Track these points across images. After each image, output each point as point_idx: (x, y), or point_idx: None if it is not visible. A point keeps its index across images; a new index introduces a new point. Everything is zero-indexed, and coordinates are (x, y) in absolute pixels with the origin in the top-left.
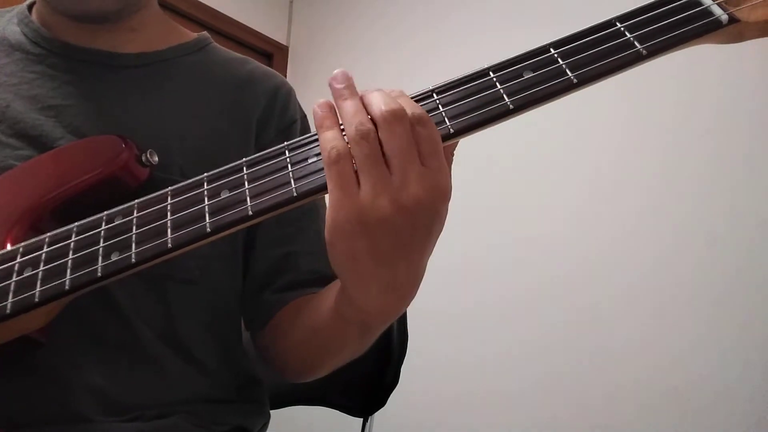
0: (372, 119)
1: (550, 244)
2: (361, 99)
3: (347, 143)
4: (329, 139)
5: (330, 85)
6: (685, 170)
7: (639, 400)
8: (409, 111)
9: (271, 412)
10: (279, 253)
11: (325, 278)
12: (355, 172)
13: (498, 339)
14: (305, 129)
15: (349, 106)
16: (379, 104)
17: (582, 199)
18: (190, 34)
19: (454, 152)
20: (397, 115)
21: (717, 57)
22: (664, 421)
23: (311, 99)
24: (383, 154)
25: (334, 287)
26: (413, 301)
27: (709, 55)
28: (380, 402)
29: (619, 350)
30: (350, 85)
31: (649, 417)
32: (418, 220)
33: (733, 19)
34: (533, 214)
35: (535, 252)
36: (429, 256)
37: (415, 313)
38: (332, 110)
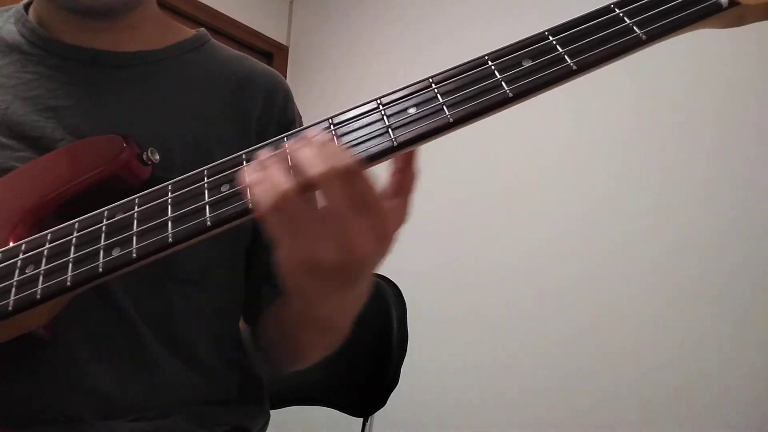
0: (306, 177)
1: (552, 246)
2: (293, 156)
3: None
4: (259, 192)
5: (256, 163)
6: (686, 173)
7: (640, 401)
8: (344, 163)
9: (271, 412)
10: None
11: None
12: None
13: (498, 339)
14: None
15: (272, 172)
16: (313, 163)
17: (584, 203)
18: (188, 32)
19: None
20: (334, 174)
21: (720, 56)
22: (665, 422)
23: (311, 99)
24: (329, 207)
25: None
26: (413, 301)
27: (712, 55)
28: (380, 402)
29: (619, 351)
30: (274, 158)
31: (650, 418)
32: (370, 262)
33: (733, 2)
34: (536, 218)
35: (535, 254)
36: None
37: (415, 313)
38: (261, 168)
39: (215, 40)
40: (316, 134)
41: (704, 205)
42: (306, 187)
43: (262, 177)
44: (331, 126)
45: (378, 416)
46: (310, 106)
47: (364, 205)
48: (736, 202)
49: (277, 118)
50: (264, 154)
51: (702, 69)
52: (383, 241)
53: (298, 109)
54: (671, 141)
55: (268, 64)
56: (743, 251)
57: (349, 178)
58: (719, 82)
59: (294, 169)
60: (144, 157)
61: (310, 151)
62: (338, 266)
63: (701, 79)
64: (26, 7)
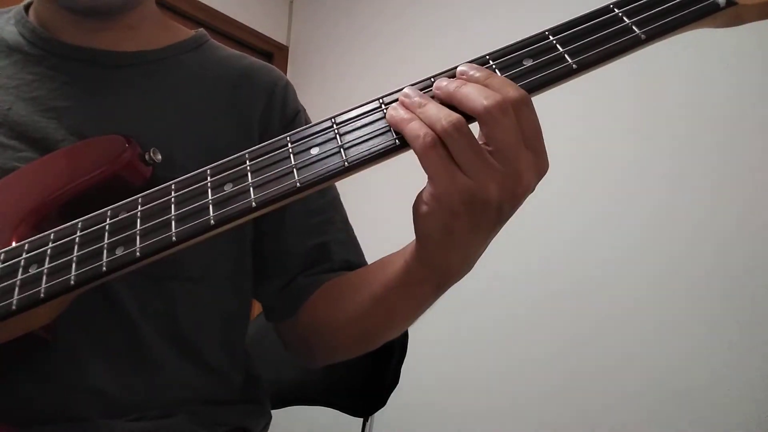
0: (474, 113)
1: (556, 249)
2: (455, 93)
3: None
4: (418, 127)
5: (401, 102)
6: (691, 177)
7: (643, 405)
8: (511, 95)
9: (272, 412)
10: (312, 244)
11: (355, 267)
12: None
13: (499, 340)
14: (307, 121)
15: (431, 107)
16: (479, 99)
17: (587, 207)
18: (187, 32)
19: None
20: (503, 109)
21: (724, 58)
22: (669, 425)
23: (311, 98)
24: (486, 143)
25: (396, 256)
26: None
27: (716, 56)
28: (380, 402)
29: (623, 355)
30: (422, 95)
31: (653, 422)
32: (522, 199)
33: (730, 2)
34: (539, 221)
35: (540, 257)
36: None
37: None
38: (409, 109)
39: (214, 41)
40: (469, 70)
41: (711, 210)
42: (469, 119)
43: (419, 112)
44: (334, 125)
45: (378, 416)
46: (311, 106)
47: (534, 137)
48: (743, 206)
49: (280, 112)
50: (409, 91)
51: (708, 71)
52: (540, 178)
53: (299, 102)
54: (675, 142)
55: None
56: (748, 254)
57: (521, 108)
58: (722, 82)
59: (458, 103)
60: (146, 157)
61: (477, 85)
62: (501, 201)
63: (703, 79)
64: (26, 8)
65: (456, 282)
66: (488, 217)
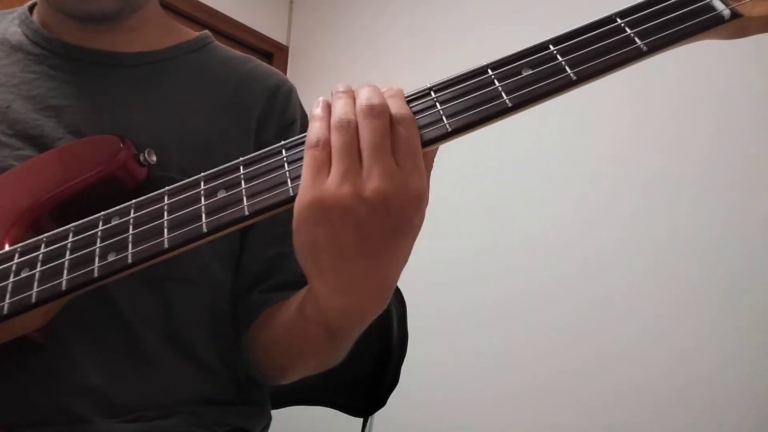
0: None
1: (553, 244)
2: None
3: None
4: (315, 128)
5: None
6: (686, 170)
7: (641, 401)
8: (393, 110)
9: (272, 412)
10: (271, 254)
11: None
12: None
13: (499, 339)
14: (305, 128)
15: (340, 101)
16: (362, 98)
17: (584, 199)
18: (191, 33)
19: (434, 158)
20: (375, 110)
21: (718, 57)
22: (667, 422)
23: (312, 98)
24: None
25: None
26: (413, 300)
27: (710, 54)
28: (380, 402)
29: (621, 351)
30: (348, 89)
31: (651, 418)
32: (383, 218)
33: (735, 14)
34: (535, 214)
35: (537, 252)
36: (399, 266)
37: (415, 312)
38: (328, 108)
39: (219, 42)
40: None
41: (707, 205)
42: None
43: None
44: None
45: (378, 416)
46: (311, 106)
47: (407, 154)
48: (740, 201)
49: (277, 118)
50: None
51: (701, 68)
52: (412, 202)
53: (302, 107)
54: (668, 139)
55: (268, 64)
56: (746, 251)
57: (399, 122)
58: (718, 81)
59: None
60: (141, 158)
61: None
62: (353, 205)
63: (700, 79)
64: (30, 9)
65: (348, 328)
66: (347, 230)
